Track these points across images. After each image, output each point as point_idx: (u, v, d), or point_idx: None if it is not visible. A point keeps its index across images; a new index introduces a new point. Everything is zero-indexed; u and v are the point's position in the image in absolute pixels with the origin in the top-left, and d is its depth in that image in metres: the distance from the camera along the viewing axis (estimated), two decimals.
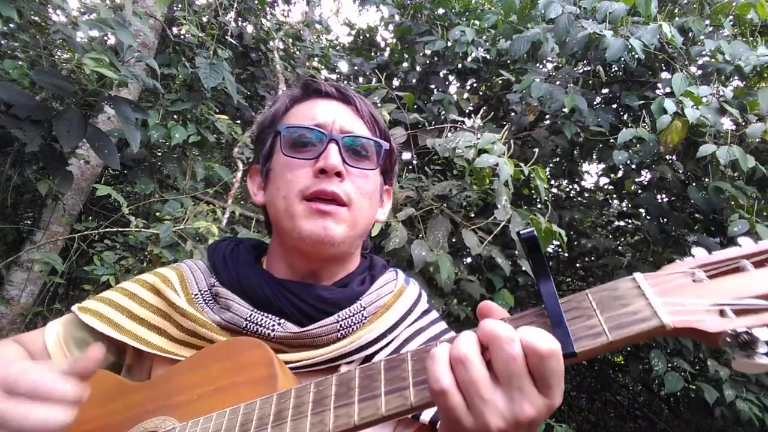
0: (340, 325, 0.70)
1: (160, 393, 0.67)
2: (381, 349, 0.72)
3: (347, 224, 0.72)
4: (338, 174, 0.71)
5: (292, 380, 0.63)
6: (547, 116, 3.37)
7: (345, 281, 0.77)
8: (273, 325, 0.69)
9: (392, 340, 0.74)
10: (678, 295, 0.45)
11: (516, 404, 0.43)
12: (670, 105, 2.35)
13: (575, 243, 3.70)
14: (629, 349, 3.79)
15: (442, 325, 0.81)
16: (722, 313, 0.44)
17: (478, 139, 2.06)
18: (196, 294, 0.76)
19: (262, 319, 0.70)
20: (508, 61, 3.57)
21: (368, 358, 0.71)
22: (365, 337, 0.71)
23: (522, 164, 2.08)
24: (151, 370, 0.74)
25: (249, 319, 0.70)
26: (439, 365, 0.45)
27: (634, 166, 3.32)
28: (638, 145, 2.71)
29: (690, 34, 2.78)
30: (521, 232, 0.49)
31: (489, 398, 0.43)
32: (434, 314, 0.82)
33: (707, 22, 2.84)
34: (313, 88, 0.80)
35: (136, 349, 0.74)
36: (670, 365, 2.75)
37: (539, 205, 3.25)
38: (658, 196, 3.29)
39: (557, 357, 0.43)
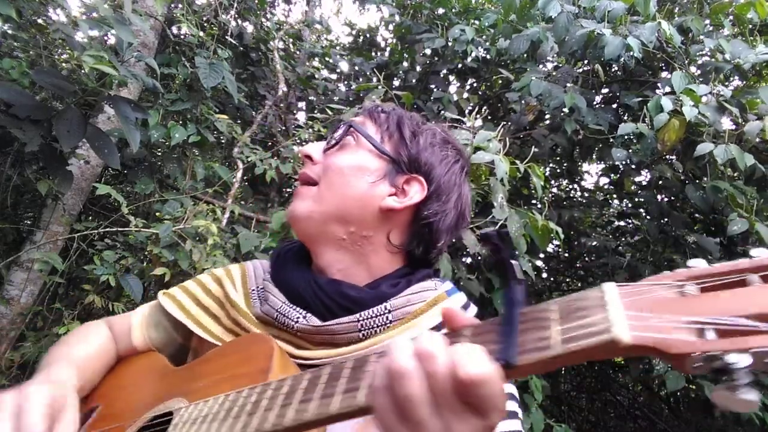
0: (361, 325, 0.68)
1: (188, 377, 0.73)
2: None
3: (312, 199, 0.76)
4: (309, 158, 0.79)
5: (291, 373, 0.63)
6: (547, 115, 3.38)
7: (377, 283, 0.75)
8: (298, 317, 0.70)
9: None
10: (651, 309, 0.38)
11: (447, 424, 0.40)
12: (667, 103, 2.35)
13: (575, 243, 3.70)
14: None
15: None
16: (701, 333, 0.36)
17: (474, 136, 2.06)
18: (254, 290, 0.80)
19: (289, 311, 0.72)
20: (508, 61, 3.58)
21: None
22: (387, 342, 0.67)
23: (518, 162, 2.08)
24: None
25: (279, 310, 0.72)
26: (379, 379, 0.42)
27: (633, 166, 3.32)
28: (637, 144, 2.72)
29: (690, 34, 2.78)
30: (481, 233, 0.44)
31: (421, 418, 0.40)
32: None
33: (707, 21, 2.84)
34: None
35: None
36: (671, 365, 2.75)
37: (539, 205, 3.25)
38: (658, 196, 3.29)
39: (485, 383, 0.38)
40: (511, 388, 0.72)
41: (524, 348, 0.41)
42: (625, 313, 0.38)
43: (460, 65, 3.65)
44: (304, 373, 0.53)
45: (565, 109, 2.81)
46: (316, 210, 0.74)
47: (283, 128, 3.97)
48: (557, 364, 0.40)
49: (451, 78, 3.89)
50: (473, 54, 3.33)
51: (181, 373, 0.75)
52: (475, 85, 3.95)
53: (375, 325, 0.68)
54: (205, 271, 0.89)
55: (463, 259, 2.81)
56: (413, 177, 0.76)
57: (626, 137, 2.71)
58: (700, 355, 0.34)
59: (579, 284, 4.05)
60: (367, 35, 4.66)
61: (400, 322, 0.70)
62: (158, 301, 0.87)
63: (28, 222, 2.96)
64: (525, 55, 3.23)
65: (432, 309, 0.71)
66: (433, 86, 3.68)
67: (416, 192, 0.76)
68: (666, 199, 3.31)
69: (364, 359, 0.50)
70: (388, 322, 0.69)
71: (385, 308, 0.69)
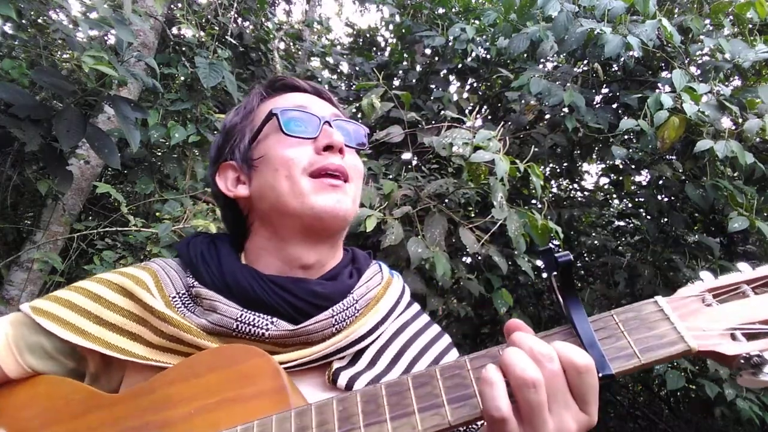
0: (335, 320, 0.68)
1: (146, 406, 0.60)
2: (372, 342, 0.72)
3: (351, 199, 0.74)
4: (341, 151, 0.74)
5: (298, 392, 0.60)
6: (547, 115, 3.38)
7: (332, 274, 0.75)
8: (267, 324, 0.66)
9: (382, 333, 0.73)
10: (695, 319, 0.49)
11: (563, 420, 0.45)
12: (667, 99, 2.35)
13: (575, 242, 3.70)
14: None
15: (425, 317, 0.82)
16: (734, 337, 0.47)
17: (474, 136, 2.06)
18: (174, 296, 0.71)
19: (254, 319, 0.66)
20: (508, 61, 3.58)
21: (359, 353, 0.71)
22: (358, 330, 0.69)
23: (518, 161, 2.08)
24: (122, 380, 0.69)
25: (240, 319, 0.66)
26: (498, 391, 0.46)
27: (633, 166, 3.32)
28: (637, 143, 2.72)
29: (690, 34, 2.78)
30: (558, 256, 0.50)
31: (545, 418, 0.45)
32: (416, 306, 0.83)
33: (707, 21, 2.84)
34: (284, 83, 0.82)
35: (104, 356, 0.68)
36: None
37: (538, 205, 3.25)
38: (658, 196, 3.29)
39: (593, 372, 0.46)
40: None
41: (609, 357, 0.48)
42: (683, 324, 0.48)
43: (460, 65, 3.66)
44: (348, 393, 0.52)
45: (565, 108, 2.80)
46: (352, 211, 0.74)
47: None
48: (635, 371, 0.48)
49: (451, 78, 3.89)
50: (473, 53, 3.33)
51: (133, 401, 0.62)
52: (475, 84, 3.95)
53: (347, 318, 0.70)
54: (90, 278, 0.75)
55: (463, 259, 2.81)
56: None
57: (626, 136, 2.71)
58: (744, 356, 0.46)
59: (579, 284, 4.04)
60: (368, 35, 4.67)
61: (366, 309, 0.73)
62: (27, 318, 0.71)
63: (28, 222, 2.96)
64: (525, 55, 3.23)
65: (387, 291, 0.77)
66: (433, 86, 3.68)
67: None
68: (666, 199, 3.31)
69: (427, 373, 0.51)
70: (356, 312, 0.72)
71: (353, 299, 0.72)
